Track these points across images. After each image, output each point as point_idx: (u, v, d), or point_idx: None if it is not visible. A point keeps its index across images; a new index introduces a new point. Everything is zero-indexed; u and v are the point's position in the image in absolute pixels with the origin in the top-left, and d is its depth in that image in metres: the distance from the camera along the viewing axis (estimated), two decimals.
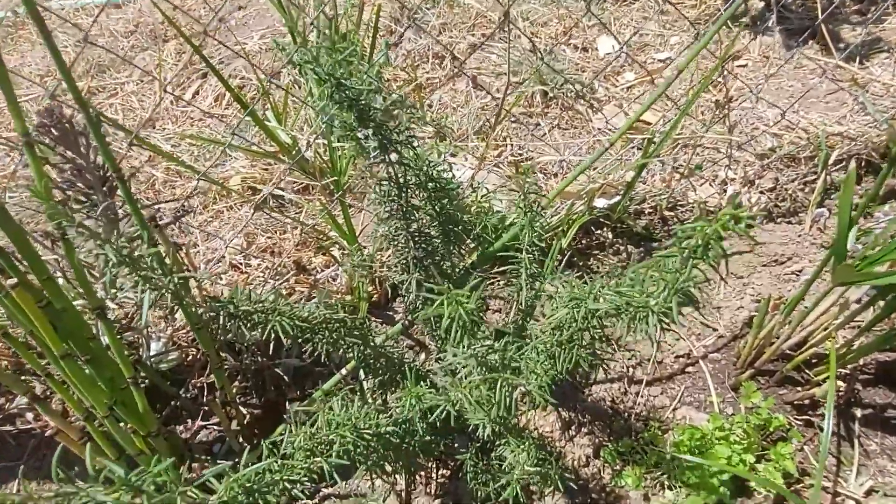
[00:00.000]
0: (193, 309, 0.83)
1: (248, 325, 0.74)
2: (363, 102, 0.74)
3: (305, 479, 0.65)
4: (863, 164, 1.57)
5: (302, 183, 1.64)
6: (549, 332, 0.83)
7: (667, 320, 0.68)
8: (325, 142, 1.62)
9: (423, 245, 0.89)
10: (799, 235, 1.48)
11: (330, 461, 0.66)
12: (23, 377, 1.24)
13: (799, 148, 1.59)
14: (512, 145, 1.65)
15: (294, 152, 1.48)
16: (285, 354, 1.28)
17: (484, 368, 0.71)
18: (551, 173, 1.57)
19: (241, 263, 1.39)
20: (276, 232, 1.50)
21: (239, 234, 1.44)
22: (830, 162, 1.50)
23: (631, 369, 1.30)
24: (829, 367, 1.08)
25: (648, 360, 1.32)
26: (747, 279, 1.42)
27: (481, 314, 0.73)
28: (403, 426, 0.85)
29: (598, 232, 1.47)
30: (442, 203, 0.89)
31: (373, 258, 1.13)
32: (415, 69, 1.98)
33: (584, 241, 1.46)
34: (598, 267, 1.43)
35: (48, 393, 1.21)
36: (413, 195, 0.85)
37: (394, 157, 0.80)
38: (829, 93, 1.79)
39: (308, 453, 0.65)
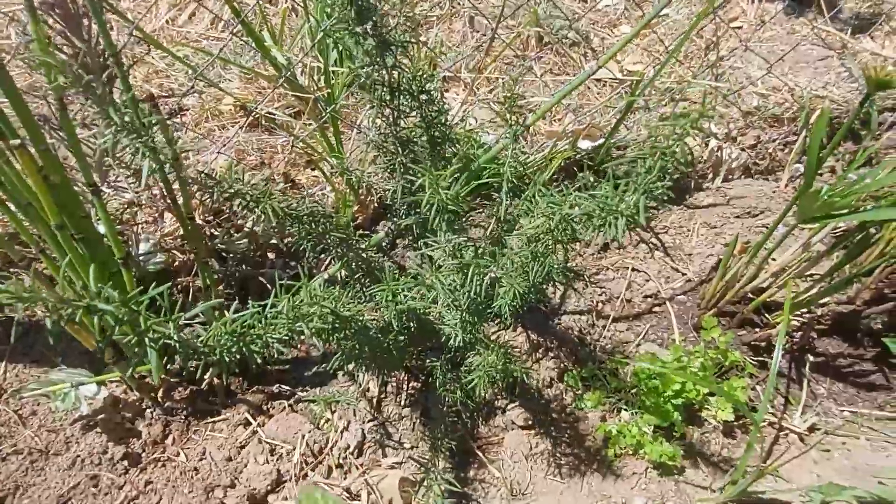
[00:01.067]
0: (187, 189, 0.85)
1: (240, 205, 0.77)
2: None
3: (286, 337, 0.69)
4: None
5: (295, 108, 1.65)
6: (524, 243, 0.87)
7: (633, 223, 0.72)
8: (321, 66, 1.63)
9: (410, 152, 0.92)
10: (774, 192, 1.54)
11: (311, 325, 0.70)
12: (11, 269, 1.26)
13: (783, 109, 1.63)
14: (503, 84, 1.66)
15: (289, 73, 1.48)
16: (269, 265, 1.31)
17: (459, 260, 0.75)
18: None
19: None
20: (266, 151, 1.51)
21: (230, 150, 1.45)
22: (811, 123, 1.54)
23: (600, 304, 1.36)
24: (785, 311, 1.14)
25: (617, 297, 1.37)
26: (720, 229, 1.48)
27: (460, 204, 0.77)
28: (380, 323, 0.90)
29: (581, 174, 1.51)
30: (431, 112, 0.92)
31: (361, 173, 1.15)
32: (413, 6, 1.97)
33: (566, 183, 1.50)
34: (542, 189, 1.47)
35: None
36: (404, 102, 0.87)
37: (389, 61, 0.82)
38: (820, 59, 1.82)
39: (290, 320, 0.69)
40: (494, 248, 0.86)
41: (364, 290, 0.97)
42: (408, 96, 0.87)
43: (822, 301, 1.30)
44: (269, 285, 1.26)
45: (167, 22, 2.01)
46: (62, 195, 0.80)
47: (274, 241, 1.32)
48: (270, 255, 1.33)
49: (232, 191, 0.76)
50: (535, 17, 1.77)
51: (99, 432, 1.06)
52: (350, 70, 0.85)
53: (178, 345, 0.66)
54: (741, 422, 1.21)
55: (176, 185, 0.99)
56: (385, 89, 0.84)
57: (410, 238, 1.04)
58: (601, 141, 1.45)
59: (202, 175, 0.74)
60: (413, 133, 0.93)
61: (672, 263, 1.44)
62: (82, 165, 0.80)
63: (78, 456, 1.03)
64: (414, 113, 0.91)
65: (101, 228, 0.90)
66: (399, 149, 0.91)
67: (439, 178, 0.68)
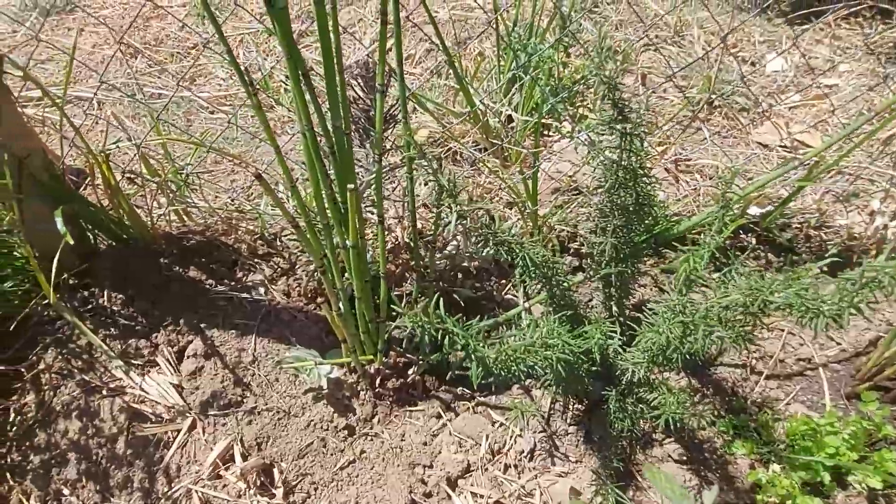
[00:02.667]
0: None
1: (505, 250, 0.98)
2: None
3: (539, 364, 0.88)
4: None
5: (480, 144, 1.87)
6: (717, 308, 1.02)
7: (835, 324, 0.86)
8: (511, 112, 1.84)
9: (622, 215, 1.10)
10: None
11: (552, 356, 0.89)
12: (256, 260, 1.56)
13: None
14: (675, 144, 1.80)
15: (487, 116, 1.71)
16: (459, 284, 1.53)
17: (676, 315, 0.91)
18: (707, 175, 1.72)
19: (428, 204, 1.64)
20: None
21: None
22: None
23: (754, 360, 1.47)
24: None
25: (771, 356, 1.47)
26: (879, 305, 1.54)
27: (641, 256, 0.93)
28: (581, 353, 1.08)
29: (743, 235, 1.62)
30: (644, 184, 1.09)
31: (554, 218, 1.34)
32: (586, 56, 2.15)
33: (727, 241, 1.62)
34: (738, 266, 1.59)
35: (275, 276, 1.53)
36: (628, 175, 1.05)
37: (625, 156, 1.00)
38: None
39: (542, 347, 0.89)
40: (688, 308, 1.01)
41: (562, 320, 1.16)
42: (628, 174, 1.05)
43: None
44: (461, 301, 1.47)
45: (365, 30, 2.31)
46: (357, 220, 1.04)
47: (465, 263, 1.54)
48: (460, 275, 1.55)
49: (499, 239, 0.97)
50: (709, 83, 1.89)
51: (325, 404, 1.31)
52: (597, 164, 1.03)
53: (465, 347, 0.86)
54: (887, 492, 1.28)
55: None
56: (616, 167, 1.02)
57: (605, 287, 1.21)
58: (769, 208, 1.55)
59: (483, 226, 0.95)
60: (625, 200, 1.10)
61: (827, 332, 1.51)
62: (379, 200, 1.04)
63: (311, 420, 1.28)
64: (630, 184, 1.08)
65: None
66: (613, 213, 1.09)
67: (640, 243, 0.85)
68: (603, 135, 1.02)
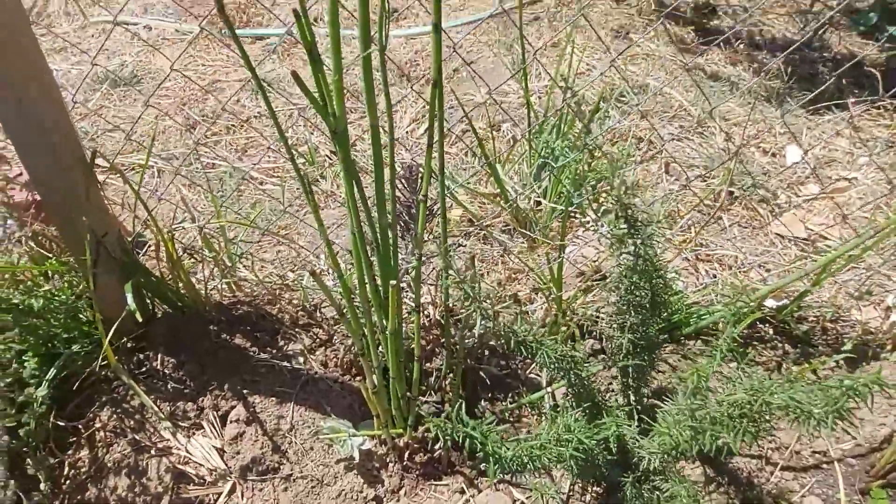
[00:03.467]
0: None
1: (524, 349, 1.07)
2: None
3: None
4: None
5: (508, 224, 1.99)
6: (725, 406, 1.09)
7: (823, 426, 0.93)
8: (539, 198, 1.96)
9: (638, 313, 1.19)
10: None
11: (566, 452, 0.97)
12: (297, 329, 1.68)
13: None
14: (695, 233, 1.90)
15: (514, 202, 1.83)
16: (486, 361, 1.62)
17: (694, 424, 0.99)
18: (727, 265, 1.81)
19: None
20: (485, 262, 1.86)
21: (462, 254, 1.81)
22: None
23: (770, 451, 1.51)
24: None
25: (787, 447, 1.51)
26: (894, 400, 1.57)
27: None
28: (597, 445, 1.15)
29: (760, 326, 1.69)
30: (658, 284, 1.19)
31: (579, 307, 1.43)
32: (613, 144, 2.28)
33: (745, 330, 1.68)
34: (755, 356, 1.65)
35: (314, 346, 1.64)
36: (643, 278, 1.15)
37: (640, 267, 1.10)
38: None
39: (555, 444, 0.97)
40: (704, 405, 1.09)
41: (580, 412, 1.23)
42: (644, 276, 1.15)
43: None
44: (487, 379, 1.56)
45: (407, 133, 2.48)
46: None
47: (493, 342, 1.63)
48: (487, 352, 1.64)
49: (519, 339, 1.06)
50: (729, 176, 2.00)
51: (356, 474, 1.39)
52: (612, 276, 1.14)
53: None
54: None
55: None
56: (631, 272, 1.12)
57: (623, 376, 1.29)
58: (785, 301, 1.62)
59: (506, 329, 1.05)
60: (640, 299, 1.19)
61: (843, 425, 1.55)
62: (417, 291, 1.15)
63: (342, 490, 1.36)
64: (646, 284, 1.18)
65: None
66: (631, 310, 1.18)
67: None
68: (621, 232, 1.12)
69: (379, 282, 1.13)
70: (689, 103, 2.39)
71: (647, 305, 1.21)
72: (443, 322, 1.47)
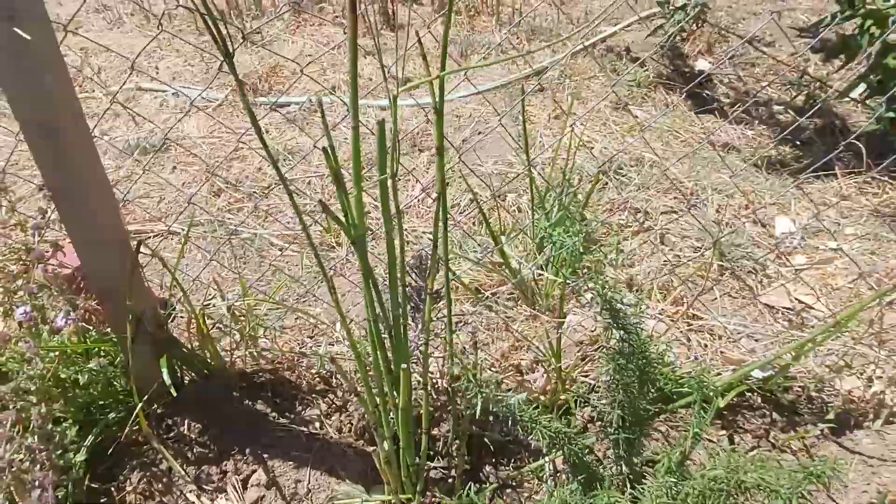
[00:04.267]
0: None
1: (521, 427, 1.19)
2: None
3: None
4: None
5: (513, 294, 2.12)
6: (706, 479, 1.20)
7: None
8: (541, 270, 2.10)
9: (626, 392, 1.31)
10: None
11: None
12: (314, 395, 1.80)
13: None
14: (686, 304, 2.02)
15: (519, 279, 1.97)
16: (490, 428, 1.72)
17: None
18: (717, 335, 1.92)
19: (465, 351, 1.88)
20: (491, 329, 1.98)
21: (469, 326, 1.94)
22: None
23: None
24: None
25: None
26: (876, 469, 1.66)
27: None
28: None
29: (749, 395, 1.79)
30: (645, 363, 1.31)
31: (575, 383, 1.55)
32: (612, 213, 2.43)
33: (734, 399, 1.79)
34: (744, 423, 1.75)
35: (330, 411, 1.76)
36: (630, 360, 1.27)
37: (627, 351, 1.23)
38: None
39: None
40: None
41: (578, 480, 1.34)
42: (632, 358, 1.27)
43: None
44: (491, 445, 1.67)
45: (418, 201, 2.64)
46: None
47: (496, 409, 1.74)
48: (491, 419, 1.75)
49: (516, 418, 1.18)
50: (719, 251, 2.13)
51: None
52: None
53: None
54: None
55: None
56: (619, 356, 1.25)
57: (615, 448, 1.40)
58: (771, 373, 1.73)
59: (505, 407, 1.17)
60: (629, 377, 1.31)
61: (828, 492, 1.64)
62: (425, 370, 1.28)
63: None
64: (632, 367, 1.30)
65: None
66: (620, 389, 1.30)
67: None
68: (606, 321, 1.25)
69: (393, 364, 1.26)
70: (683, 175, 2.54)
71: (636, 383, 1.33)
72: (449, 389, 1.59)
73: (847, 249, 2.28)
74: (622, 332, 1.18)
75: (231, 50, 0.94)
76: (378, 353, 1.21)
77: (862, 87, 2.86)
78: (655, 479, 1.18)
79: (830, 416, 1.71)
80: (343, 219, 1.01)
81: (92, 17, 4.53)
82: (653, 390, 1.44)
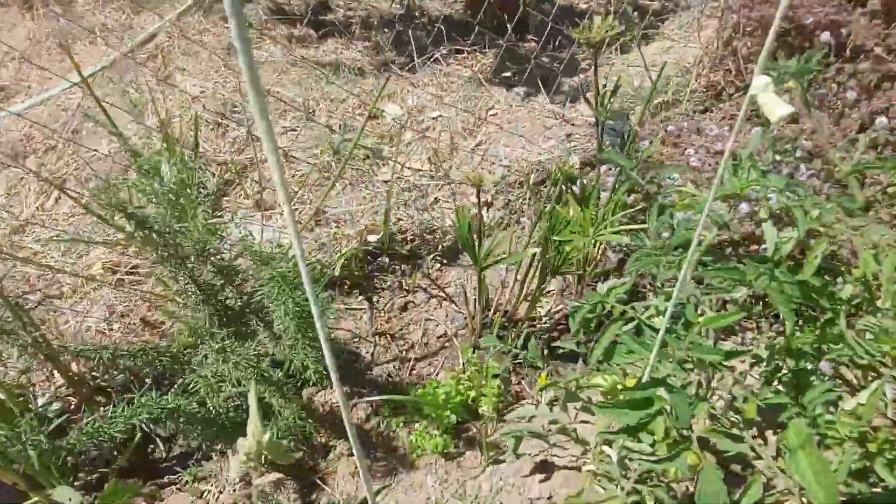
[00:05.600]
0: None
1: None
2: None
3: None
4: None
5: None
6: None
7: None
8: None
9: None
10: (518, 236, 2.10)
11: None
12: None
13: (520, 175, 2.23)
14: (311, 201, 2.18)
15: None
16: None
17: None
18: (342, 220, 2.11)
19: (105, 329, 1.82)
20: (131, 301, 1.94)
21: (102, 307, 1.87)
22: (532, 182, 2.13)
23: (405, 351, 1.84)
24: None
25: (417, 343, 1.86)
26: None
27: None
28: None
29: (379, 259, 2.02)
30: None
31: None
32: (234, 152, 2.48)
33: (369, 267, 2.00)
34: (382, 283, 1.98)
35: None
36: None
37: None
38: (548, 128, 2.46)
39: None
40: None
41: None
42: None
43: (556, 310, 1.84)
44: None
45: (37, 209, 2.42)
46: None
47: None
48: None
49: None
50: (332, 147, 2.31)
51: None
52: None
53: None
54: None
55: None
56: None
57: None
58: (381, 234, 1.97)
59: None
60: None
61: (455, 308, 1.95)
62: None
63: None
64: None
65: None
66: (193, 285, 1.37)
67: None
68: None
69: None
70: (295, 95, 2.67)
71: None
72: None
73: (446, 114, 2.63)
74: None
75: None
76: None
77: None
78: None
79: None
80: None
81: None
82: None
